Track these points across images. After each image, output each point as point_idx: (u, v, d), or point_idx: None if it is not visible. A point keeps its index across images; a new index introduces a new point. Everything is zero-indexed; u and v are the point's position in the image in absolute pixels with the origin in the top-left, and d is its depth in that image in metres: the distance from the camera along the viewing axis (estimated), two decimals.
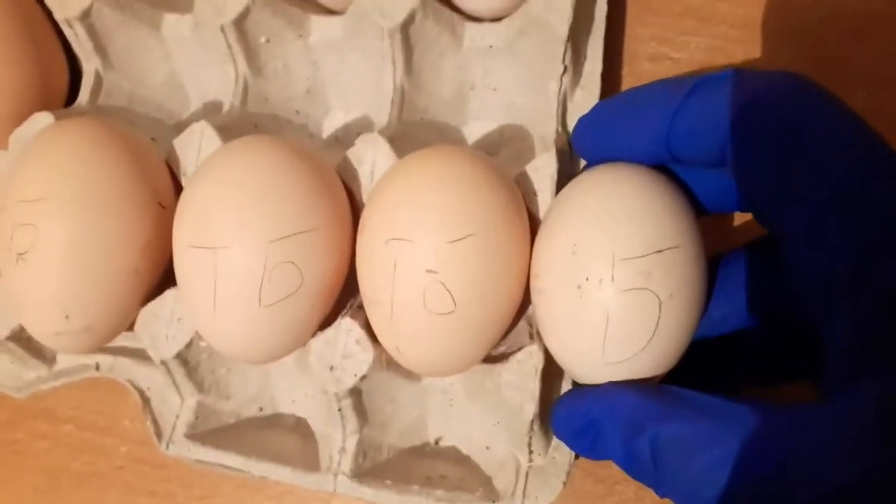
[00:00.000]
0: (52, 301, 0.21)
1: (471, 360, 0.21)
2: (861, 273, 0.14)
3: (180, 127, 0.28)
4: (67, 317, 0.21)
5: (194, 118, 0.29)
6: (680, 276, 0.17)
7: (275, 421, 0.26)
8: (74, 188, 0.21)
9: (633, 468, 0.16)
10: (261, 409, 0.26)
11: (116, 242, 0.21)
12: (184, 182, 0.23)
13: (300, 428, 0.25)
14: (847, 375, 0.14)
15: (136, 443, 0.27)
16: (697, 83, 0.18)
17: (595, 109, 0.21)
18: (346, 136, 0.28)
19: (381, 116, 0.26)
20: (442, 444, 0.25)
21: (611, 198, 0.18)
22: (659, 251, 0.17)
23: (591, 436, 0.17)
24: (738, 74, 0.17)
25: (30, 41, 0.25)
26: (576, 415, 0.18)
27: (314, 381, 0.24)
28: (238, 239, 0.19)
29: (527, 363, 0.21)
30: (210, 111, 0.29)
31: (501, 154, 0.27)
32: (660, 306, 0.17)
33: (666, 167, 0.20)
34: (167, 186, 0.23)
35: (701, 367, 0.20)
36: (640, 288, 0.17)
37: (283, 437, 0.25)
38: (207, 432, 0.24)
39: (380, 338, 0.21)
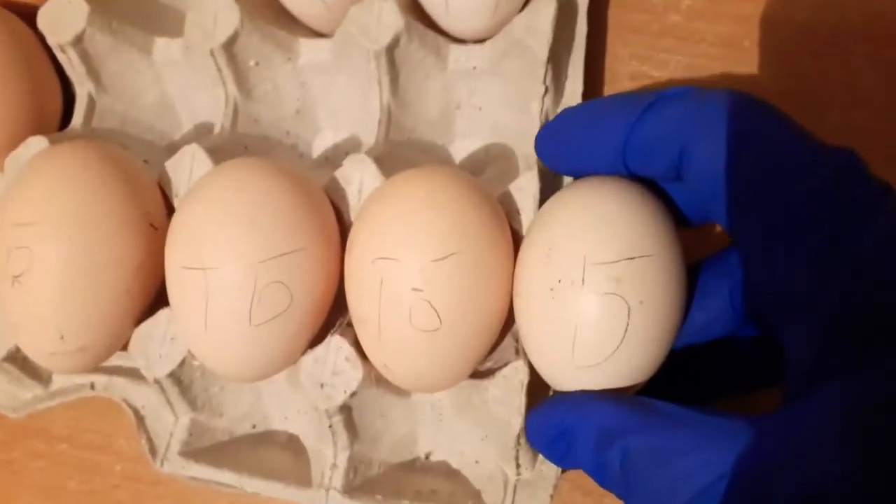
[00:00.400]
0: (48, 322, 0.21)
1: (458, 375, 0.21)
2: (811, 290, 0.15)
3: (172, 148, 0.29)
4: (62, 337, 0.21)
5: (185, 139, 0.29)
6: (651, 283, 0.18)
7: (267, 438, 0.26)
8: (67, 211, 0.21)
9: (604, 479, 0.17)
10: (254, 427, 0.26)
11: (109, 264, 0.22)
12: (176, 203, 0.24)
13: (292, 444, 0.26)
14: (805, 384, 0.15)
15: (130, 461, 0.28)
16: (654, 99, 0.18)
17: (558, 118, 0.21)
18: (336, 156, 0.29)
19: (369, 136, 0.26)
20: (432, 458, 0.25)
21: (586, 205, 0.19)
22: (630, 258, 0.18)
23: (563, 445, 0.18)
24: (694, 92, 0.18)
25: (24, 66, 0.26)
26: (548, 424, 0.18)
27: (305, 399, 0.24)
28: (228, 259, 0.20)
29: (513, 378, 0.21)
30: (201, 132, 0.29)
31: (487, 172, 0.27)
32: (629, 312, 0.17)
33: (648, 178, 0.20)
34: (159, 208, 0.23)
35: (687, 374, 0.20)
36: (610, 293, 0.17)
37: (276, 453, 0.25)
38: (201, 450, 0.24)
39: (368, 355, 0.21)
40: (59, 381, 0.26)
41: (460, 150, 0.28)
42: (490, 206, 0.21)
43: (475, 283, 0.20)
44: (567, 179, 0.23)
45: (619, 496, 0.16)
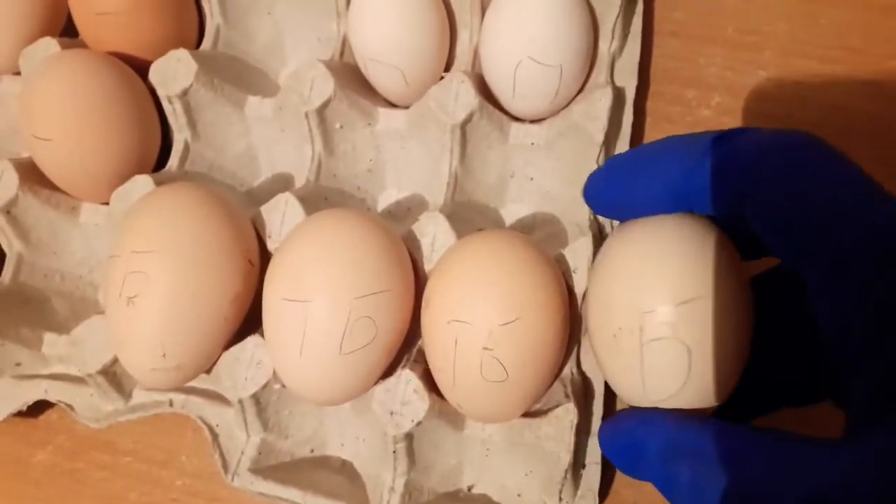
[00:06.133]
0: (153, 341, 0.24)
1: (518, 412, 0.24)
2: (877, 333, 0.15)
3: (251, 194, 0.32)
4: (164, 355, 0.24)
5: (264, 187, 0.33)
6: (709, 323, 0.18)
7: (323, 462, 0.28)
8: (182, 243, 0.24)
9: (671, 492, 0.18)
10: (311, 451, 0.28)
11: (212, 292, 0.24)
12: (269, 244, 0.27)
13: (346, 469, 0.28)
14: (870, 417, 0.15)
15: (191, 477, 0.30)
16: (713, 140, 0.18)
17: (608, 165, 0.22)
18: (398, 210, 0.32)
19: (436, 196, 0.30)
20: (474, 490, 0.28)
21: (637, 252, 0.20)
22: (684, 302, 0.19)
23: (632, 454, 0.19)
24: (752, 132, 0.18)
25: (135, 112, 0.29)
26: (621, 433, 0.19)
27: (368, 425, 0.27)
28: (327, 294, 0.23)
29: (564, 419, 0.24)
30: (278, 182, 0.33)
31: (534, 234, 0.31)
32: (689, 353, 0.19)
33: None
34: (255, 246, 0.26)
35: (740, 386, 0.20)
36: (667, 338, 0.19)
37: (332, 476, 0.28)
38: (267, 468, 0.27)
39: (445, 395, 0.24)
40: (139, 397, 0.28)
41: (511, 214, 0.31)
42: (551, 270, 0.24)
43: (536, 341, 0.23)
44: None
45: None
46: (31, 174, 0.29)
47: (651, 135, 0.32)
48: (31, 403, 0.29)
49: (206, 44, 0.32)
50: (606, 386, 0.26)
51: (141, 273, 0.24)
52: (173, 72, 0.30)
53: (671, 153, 0.20)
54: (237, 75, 0.32)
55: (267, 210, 0.27)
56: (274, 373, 0.25)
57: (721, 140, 0.18)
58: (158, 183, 0.28)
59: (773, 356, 0.21)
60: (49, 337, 0.29)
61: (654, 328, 0.19)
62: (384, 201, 0.32)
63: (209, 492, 0.29)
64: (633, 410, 0.20)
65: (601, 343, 0.21)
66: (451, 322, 0.23)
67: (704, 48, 0.33)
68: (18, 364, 0.29)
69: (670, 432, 0.18)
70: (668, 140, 0.20)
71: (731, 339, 0.19)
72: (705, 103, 0.32)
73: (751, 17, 0.33)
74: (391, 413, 0.25)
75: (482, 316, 0.22)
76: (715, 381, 0.19)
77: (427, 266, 0.26)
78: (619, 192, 0.21)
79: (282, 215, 0.27)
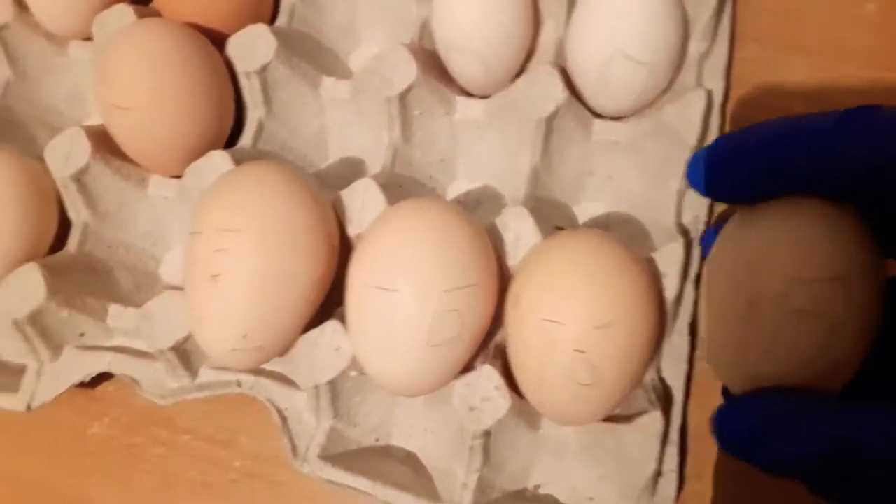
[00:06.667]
0: (236, 321, 0.24)
1: (599, 416, 0.24)
2: None
3: (318, 176, 0.32)
4: (245, 336, 0.24)
5: (331, 170, 0.32)
6: (853, 303, 0.18)
7: (387, 452, 0.28)
8: (268, 223, 0.24)
9: (808, 476, 0.17)
10: (377, 440, 0.28)
11: (296, 274, 0.24)
12: (349, 229, 0.27)
13: (409, 461, 0.28)
14: None
15: (249, 458, 0.29)
16: (852, 111, 0.18)
17: (723, 143, 0.21)
18: (467, 201, 0.32)
19: (510, 189, 0.29)
20: (540, 491, 0.27)
21: (784, 221, 0.19)
22: (835, 278, 0.18)
23: (753, 440, 0.18)
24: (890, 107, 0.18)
25: (212, 87, 0.29)
26: (744, 417, 0.18)
27: (441, 418, 0.26)
28: (418, 285, 0.22)
29: (650, 426, 0.24)
30: (346, 166, 0.32)
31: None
32: (831, 331, 0.18)
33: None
34: (336, 230, 0.26)
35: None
36: (812, 310, 0.18)
37: (397, 467, 0.27)
38: (335, 455, 0.26)
39: (526, 394, 0.24)
40: (206, 375, 0.28)
41: (585, 211, 0.31)
42: (647, 274, 0.23)
43: (629, 346, 0.22)
44: None
45: (826, 495, 0.17)
46: (103, 142, 0.29)
47: None
48: (93, 375, 0.28)
49: (282, 20, 0.32)
50: (685, 394, 0.26)
51: (226, 251, 0.24)
52: (252, 47, 0.29)
53: (800, 126, 0.19)
54: (311, 54, 0.31)
55: (347, 194, 0.27)
56: (351, 359, 0.25)
57: (860, 111, 0.18)
58: (235, 160, 0.28)
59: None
60: (115, 309, 0.29)
61: (802, 298, 0.18)
62: (453, 191, 0.32)
63: (269, 475, 0.29)
64: (753, 394, 0.19)
65: (729, 309, 0.20)
66: (543, 321, 0.22)
67: (787, 56, 0.32)
68: (82, 335, 0.29)
69: (796, 414, 0.17)
70: (791, 117, 0.19)
71: (868, 321, 0.18)
72: (785, 111, 0.31)
73: (836, 27, 0.33)
74: (471, 408, 0.24)
75: (577, 317, 0.22)
76: (846, 362, 0.18)
77: (510, 262, 0.26)
78: (742, 169, 0.20)
79: (361, 200, 0.27)
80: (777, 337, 0.19)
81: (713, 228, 0.24)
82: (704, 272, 0.22)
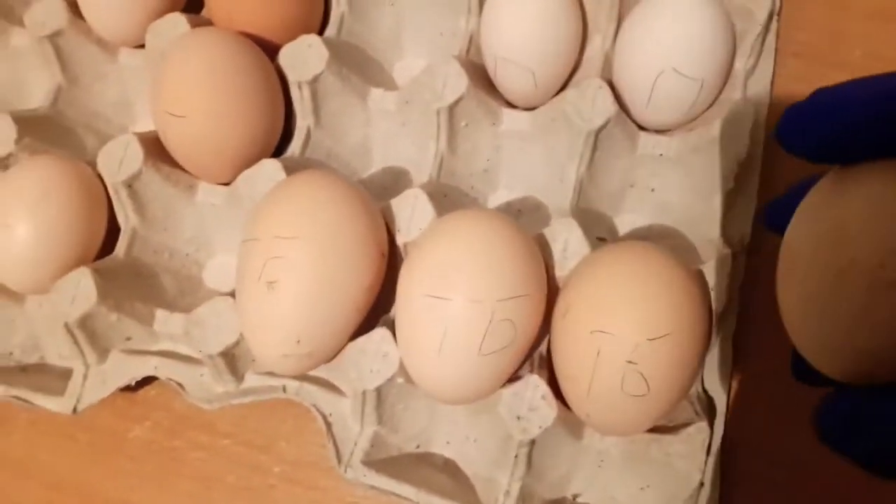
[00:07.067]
0: (290, 326, 0.24)
1: (646, 427, 0.24)
2: None
3: (362, 184, 0.32)
4: (299, 341, 0.24)
5: (374, 179, 0.33)
6: None
7: (426, 459, 0.28)
8: (321, 231, 0.24)
9: None
10: (417, 447, 0.28)
11: (348, 281, 0.24)
12: (398, 238, 0.27)
13: (448, 468, 0.28)
14: None
15: (289, 464, 0.30)
16: None
17: (825, 95, 0.18)
18: (507, 211, 0.32)
19: (553, 200, 0.30)
20: (579, 500, 0.27)
21: (883, 182, 0.17)
22: None
23: (870, 437, 0.17)
24: None
25: (267, 94, 0.29)
26: (861, 415, 0.17)
27: (484, 426, 0.26)
28: (471, 295, 0.23)
29: (696, 437, 0.24)
30: (389, 175, 0.33)
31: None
32: None
33: None
34: (386, 238, 0.26)
35: None
36: None
37: (436, 474, 0.27)
38: (377, 461, 0.27)
39: (572, 405, 0.24)
40: (251, 381, 0.28)
41: (625, 223, 0.31)
42: (699, 287, 0.23)
43: (681, 358, 0.22)
44: None
45: None
46: (154, 149, 0.29)
47: (769, 155, 0.31)
48: (139, 379, 0.29)
49: (331, 31, 0.32)
50: (728, 405, 0.26)
51: (282, 258, 0.24)
52: (304, 57, 0.30)
53: None
54: (359, 65, 0.32)
55: (397, 203, 0.27)
56: (399, 367, 0.25)
57: None
58: (286, 168, 0.28)
59: None
60: (161, 314, 0.29)
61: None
62: (494, 201, 0.32)
63: (308, 480, 0.29)
64: (858, 387, 0.17)
65: (817, 278, 0.18)
66: (594, 332, 0.22)
67: (829, 71, 0.33)
68: (129, 339, 0.29)
69: None
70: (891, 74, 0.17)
71: None
72: None
73: (879, 42, 0.33)
74: (518, 417, 0.24)
75: (629, 329, 0.22)
76: None
77: (558, 272, 0.26)
78: (845, 122, 0.17)
79: (411, 209, 0.27)
80: (869, 310, 0.17)
81: (785, 197, 0.22)
82: (783, 243, 0.20)
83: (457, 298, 0.23)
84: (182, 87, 0.27)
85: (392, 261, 0.27)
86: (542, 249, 0.26)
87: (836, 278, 0.17)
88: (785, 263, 0.20)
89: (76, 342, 0.28)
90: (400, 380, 0.26)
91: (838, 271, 0.17)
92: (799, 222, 0.20)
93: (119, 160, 0.29)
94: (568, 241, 0.26)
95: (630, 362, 0.22)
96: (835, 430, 0.17)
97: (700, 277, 0.25)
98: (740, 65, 0.29)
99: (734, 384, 0.27)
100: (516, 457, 0.25)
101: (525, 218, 0.32)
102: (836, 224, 0.18)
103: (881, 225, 0.17)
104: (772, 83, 0.31)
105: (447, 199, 0.30)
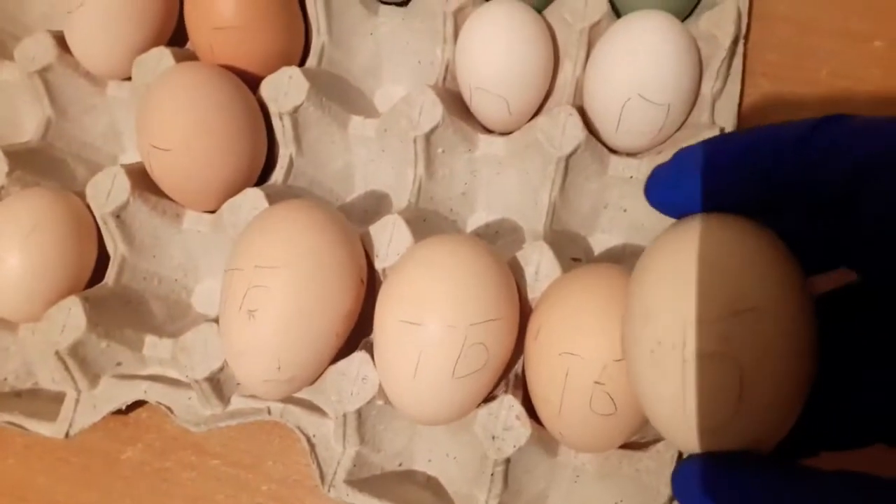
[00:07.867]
0: (271, 353, 0.25)
1: (618, 443, 0.25)
2: None
3: (344, 209, 0.33)
4: (279, 368, 0.25)
5: (356, 203, 0.34)
6: (764, 339, 0.16)
7: (408, 476, 0.29)
8: (302, 260, 0.25)
9: None
10: (399, 465, 0.29)
11: (328, 309, 0.25)
12: (376, 263, 0.28)
13: (431, 485, 0.29)
14: None
15: (276, 482, 0.30)
16: (820, 120, 0.16)
17: (680, 157, 0.19)
18: (486, 234, 0.33)
19: (529, 222, 0.30)
20: None
21: (683, 253, 0.17)
22: (736, 313, 0.16)
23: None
24: (862, 117, 0.16)
25: (249, 125, 0.30)
26: (696, 484, 0.17)
27: (463, 445, 0.27)
28: (445, 320, 0.24)
29: (665, 454, 0.24)
30: (370, 200, 0.34)
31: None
32: (742, 372, 0.16)
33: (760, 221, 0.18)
34: (364, 265, 0.27)
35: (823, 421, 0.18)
36: (717, 353, 0.16)
37: (419, 491, 0.28)
38: (360, 480, 0.27)
39: (546, 424, 0.25)
40: (237, 403, 0.29)
41: (600, 243, 0.32)
42: None
43: None
44: None
45: None
46: (141, 180, 0.30)
47: None
48: (129, 403, 0.30)
49: (312, 61, 0.33)
50: None
51: (263, 287, 0.25)
52: (285, 88, 0.31)
53: (766, 135, 0.17)
54: (339, 93, 0.33)
55: (375, 230, 0.28)
56: (378, 389, 0.26)
57: (830, 121, 0.16)
58: (268, 196, 0.29)
59: (847, 383, 0.18)
60: (150, 339, 0.30)
61: (700, 342, 0.16)
62: (473, 223, 0.33)
63: (294, 498, 0.30)
64: (712, 456, 0.17)
65: (636, 359, 0.18)
66: (563, 354, 0.23)
67: (796, 90, 0.34)
68: (119, 364, 0.30)
69: (752, 485, 0.15)
70: (752, 129, 0.18)
71: (791, 358, 0.16)
72: None
73: (845, 61, 0.34)
74: (493, 437, 0.25)
75: (596, 350, 0.23)
76: (770, 414, 0.16)
77: (531, 294, 0.27)
78: (694, 184, 0.18)
79: (389, 236, 0.28)
80: (684, 390, 0.16)
81: (666, 169, 0.20)
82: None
83: (431, 324, 0.24)
84: (166, 121, 0.28)
85: (371, 285, 0.28)
86: (516, 272, 0.27)
87: (650, 356, 0.17)
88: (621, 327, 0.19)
89: (67, 369, 0.29)
90: (380, 402, 0.26)
91: (649, 352, 0.17)
92: (630, 289, 0.19)
93: (107, 192, 0.30)
94: (540, 264, 0.27)
95: (598, 383, 0.23)
96: (683, 492, 0.17)
97: None
98: (707, 88, 0.30)
99: None
100: (492, 475, 0.26)
101: (503, 239, 0.33)
102: (645, 301, 0.18)
103: (676, 302, 0.17)
104: (739, 104, 0.32)
105: (426, 223, 0.31)
